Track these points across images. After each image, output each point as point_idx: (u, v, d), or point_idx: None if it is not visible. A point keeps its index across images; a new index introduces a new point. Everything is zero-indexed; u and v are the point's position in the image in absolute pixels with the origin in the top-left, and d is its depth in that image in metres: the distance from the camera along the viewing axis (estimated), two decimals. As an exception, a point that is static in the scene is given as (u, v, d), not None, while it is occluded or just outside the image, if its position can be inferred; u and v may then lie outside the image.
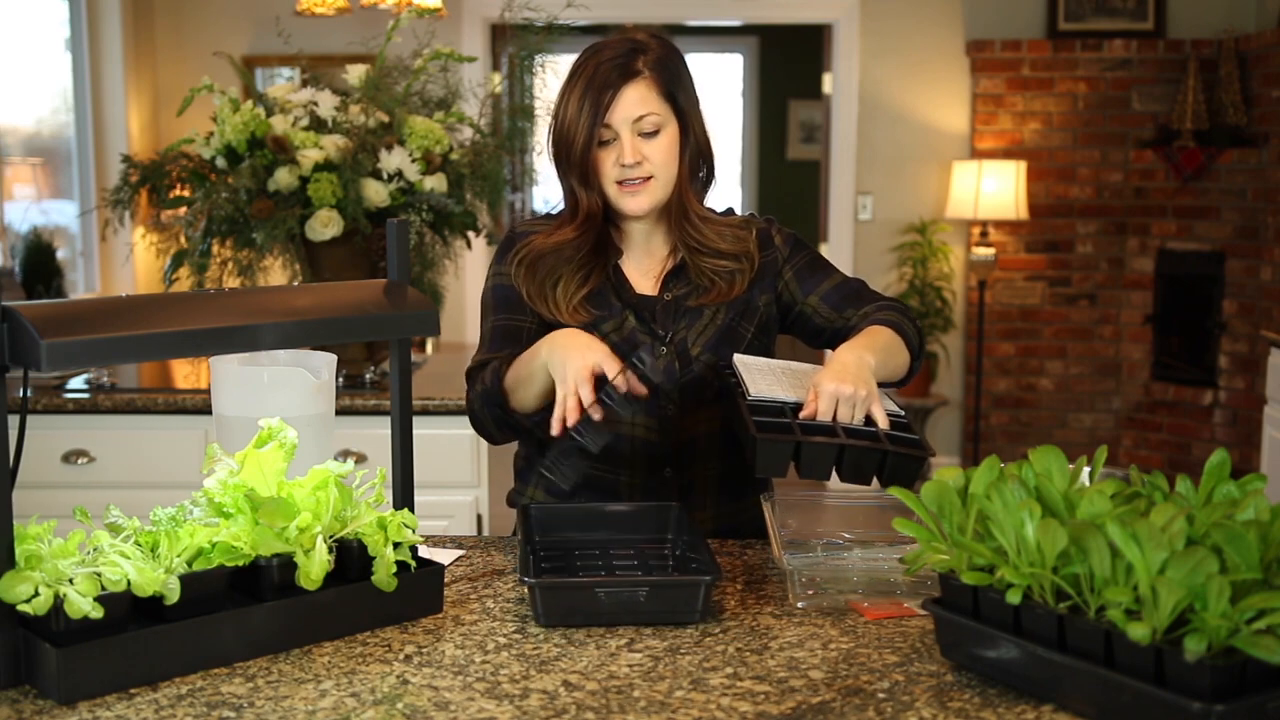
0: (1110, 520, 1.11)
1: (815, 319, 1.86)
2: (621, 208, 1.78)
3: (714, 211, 1.89)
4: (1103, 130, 5.45)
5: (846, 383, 1.57)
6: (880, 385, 1.64)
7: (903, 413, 1.65)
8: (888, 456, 1.54)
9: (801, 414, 1.58)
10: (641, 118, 1.73)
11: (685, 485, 1.82)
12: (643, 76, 1.74)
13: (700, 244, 1.81)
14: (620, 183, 1.76)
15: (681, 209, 1.80)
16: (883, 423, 1.58)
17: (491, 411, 1.75)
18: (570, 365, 1.58)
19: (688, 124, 1.79)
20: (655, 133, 1.75)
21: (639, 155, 1.74)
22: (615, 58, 1.74)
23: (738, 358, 1.75)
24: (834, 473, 1.55)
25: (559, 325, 1.76)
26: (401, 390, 1.51)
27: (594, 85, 1.72)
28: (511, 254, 1.83)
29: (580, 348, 1.60)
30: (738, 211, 1.93)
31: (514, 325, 1.81)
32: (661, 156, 1.76)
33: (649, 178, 1.76)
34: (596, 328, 1.78)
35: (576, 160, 1.75)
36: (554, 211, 1.88)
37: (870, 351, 1.66)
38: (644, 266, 1.85)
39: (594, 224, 1.79)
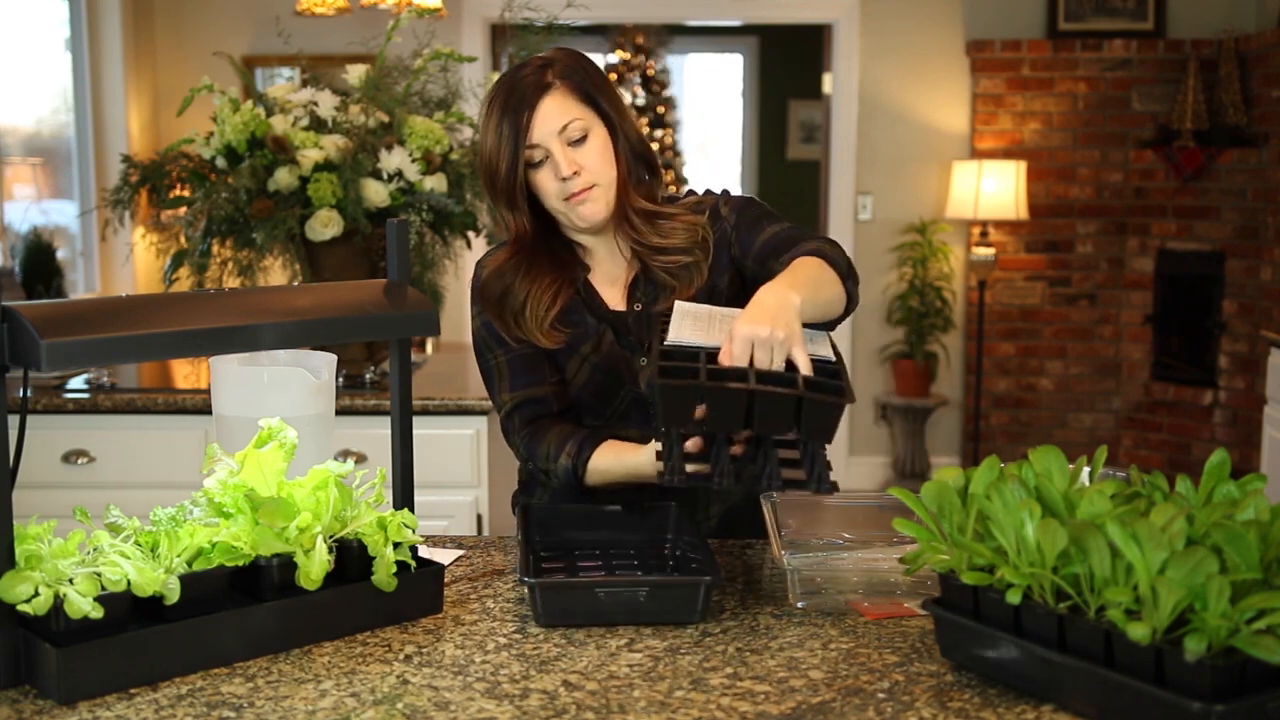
0: (1110, 520, 1.11)
1: (759, 280, 1.66)
2: (574, 221, 1.74)
3: (673, 199, 1.83)
4: (1103, 130, 5.45)
5: (763, 324, 1.42)
6: (818, 325, 1.56)
7: (834, 358, 1.48)
8: (802, 403, 1.37)
9: (718, 361, 1.43)
10: (565, 126, 1.69)
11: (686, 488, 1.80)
12: (555, 87, 1.70)
13: (645, 244, 1.77)
14: (566, 198, 1.72)
15: (623, 211, 1.76)
16: (805, 367, 1.41)
17: (563, 482, 1.78)
18: None
19: (615, 125, 1.75)
20: (583, 138, 1.71)
21: (575, 165, 1.70)
22: (525, 78, 1.71)
23: (679, 305, 1.63)
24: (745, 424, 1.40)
25: (545, 350, 1.78)
26: (401, 390, 1.51)
27: (509, 109, 1.70)
28: (479, 288, 1.83)
29: None
30: (712, 193, 1.86)
31: (530, 354, 1.80)
32: (596, 161, 1.71)
33: (591, 185, 1.71)
34: (575, 350, 1.78)
35: (503, 185, 1.72)
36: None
37: (794, 289, 1.50)
38: (611, 278, 1.82)
39: (525, 244, 1.77)
